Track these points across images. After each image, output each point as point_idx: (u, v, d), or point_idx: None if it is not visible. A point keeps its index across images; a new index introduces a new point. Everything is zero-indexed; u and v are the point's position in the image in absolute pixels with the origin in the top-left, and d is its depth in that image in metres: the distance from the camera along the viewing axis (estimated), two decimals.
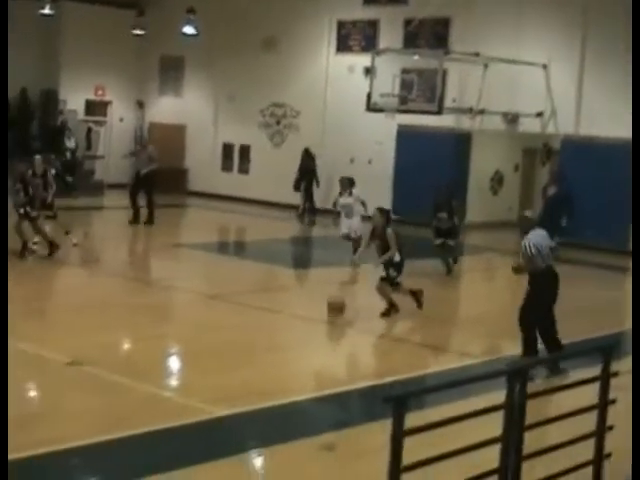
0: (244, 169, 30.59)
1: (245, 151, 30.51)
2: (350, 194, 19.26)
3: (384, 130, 25.90)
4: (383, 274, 14.05)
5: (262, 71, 29.47)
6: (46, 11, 28.13)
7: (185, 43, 30.05)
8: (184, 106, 31.97)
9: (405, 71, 24.98)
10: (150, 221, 23.29)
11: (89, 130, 31.48)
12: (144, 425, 8.69)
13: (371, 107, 23.76)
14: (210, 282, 17.37)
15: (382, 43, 26.34)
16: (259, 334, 12.98)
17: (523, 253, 11.10)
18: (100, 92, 31.73)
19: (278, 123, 29.71)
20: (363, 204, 19.15)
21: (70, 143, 30.01)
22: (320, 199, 27.40)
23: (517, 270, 11.60)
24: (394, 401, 5.44)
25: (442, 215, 18.14)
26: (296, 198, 27.89)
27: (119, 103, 32.28)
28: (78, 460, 8.02)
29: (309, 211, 27.73)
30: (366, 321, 13.78)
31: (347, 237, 19.17)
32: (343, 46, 28.06)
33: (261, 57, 29.47)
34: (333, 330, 13.36)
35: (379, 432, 6.74)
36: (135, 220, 23.29)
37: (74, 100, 30.92)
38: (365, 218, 18.05)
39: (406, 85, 24.44)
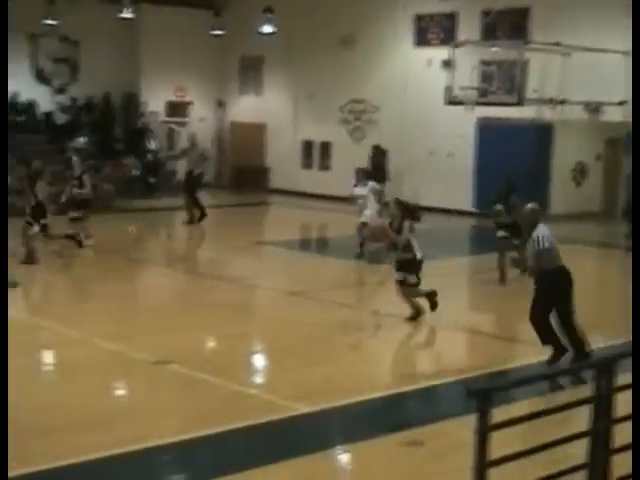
0: (325, 166, 30.62)
1: (325, 148, 30.55)
2: (365, 185, 19.09)
3: (463, 123, 25.65)
4: (398, 277, 13.25)
5: (340, 68, 29.47)
6: (126, 15, 28.43)
7: (263, 42, 30.17)
8: (264, 105, 32.13)
9: (484, 63, 24.73)
10: (203, 217, 23.34)
11: (170, 131, 31.81)
12: (230, 422, 8.74)
13: (451, 100, 23.56)
14: (291, 279, 17.41)
15: (460, 35, 26.12)
16: (340, 330, 12.96)
17: (534, 247, 10.70)
18: (180, 93, 32.04)
19: (358, 119, 29.68)
20: (380, 194, 18.87)
21: (152, 144, 30.41)
22: (392, 193, 27.09)
23: (517, 264, 11.27)
24: (478, 395, 5.36)
25: (498, 208, 17.27)
26: None
27: (200, 103, 32.56)
28: (165, 458, 8.11)
29: None
30: (444, 315, 13.63)
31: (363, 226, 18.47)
32: (421, 40, 27.88)
33: (339, 54, 29.46)
34: (413, 325, 13.25)
35: (464, 427, 6.66)
36: (202, 218, 23.27)
37: (155, 102, 31.25)
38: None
39: (486, 77, 24.18)
